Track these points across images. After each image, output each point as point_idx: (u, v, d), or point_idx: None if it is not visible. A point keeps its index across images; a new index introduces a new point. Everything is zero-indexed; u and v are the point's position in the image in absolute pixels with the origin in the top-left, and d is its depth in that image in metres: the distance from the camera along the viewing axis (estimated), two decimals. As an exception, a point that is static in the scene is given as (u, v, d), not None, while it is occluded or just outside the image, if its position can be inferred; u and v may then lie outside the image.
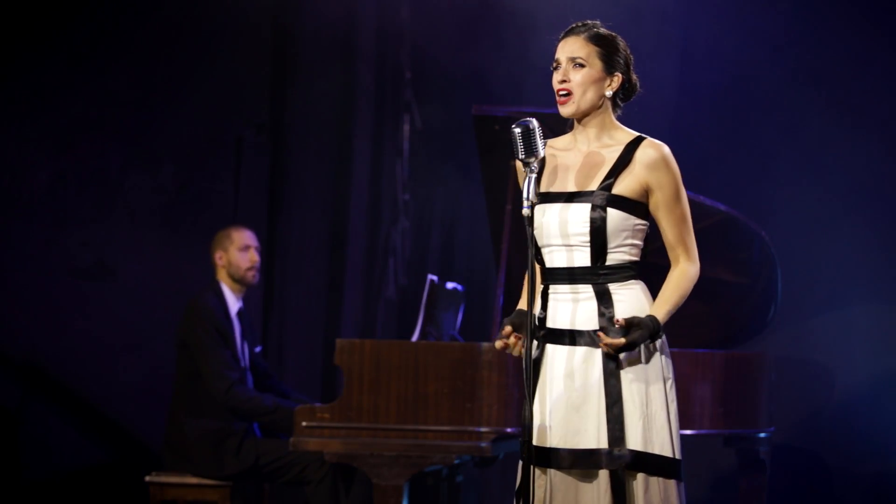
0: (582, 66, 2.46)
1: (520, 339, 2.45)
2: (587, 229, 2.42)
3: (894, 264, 5.38)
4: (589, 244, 2.44)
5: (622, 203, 2.44)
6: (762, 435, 4.42)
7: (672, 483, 2.42)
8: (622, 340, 2.33)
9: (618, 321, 2.35)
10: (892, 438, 5.14)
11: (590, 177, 2.46)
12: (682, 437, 2.46)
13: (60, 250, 5.38)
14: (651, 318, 2.38)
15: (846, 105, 5.46)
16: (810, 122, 5.47)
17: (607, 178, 2.44)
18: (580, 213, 2.41)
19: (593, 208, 2.42)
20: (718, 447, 4.56)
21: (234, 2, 5.42)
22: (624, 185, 2.44)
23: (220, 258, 4.47)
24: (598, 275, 2.44)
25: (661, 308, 2.43)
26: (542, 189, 2.45)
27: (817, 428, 5.39)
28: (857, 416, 5.25)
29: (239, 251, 4.45)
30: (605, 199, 2.42)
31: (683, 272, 2.49)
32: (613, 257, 2.45)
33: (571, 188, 2.45)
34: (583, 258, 2.43)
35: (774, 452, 4.52)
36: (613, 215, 2.43)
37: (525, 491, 2.35)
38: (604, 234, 2.42)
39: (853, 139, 5.43)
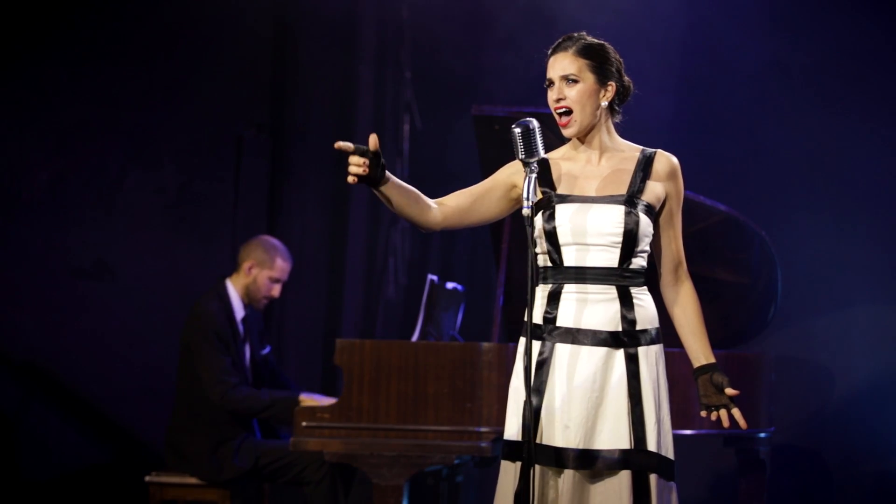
0: (575, 81, 2.47)
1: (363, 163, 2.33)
2: (620, 230, 2.43)
3: (895, 264, 5.38)
4: (620, 245, 2.45)
5: (648, 210, 2.47)
6: (762, 435, 4.42)
7: (673, 485, 2.43)
8: (737, 411, 2.51)
9: (729, 392, 2.49)
10: (892, 438, 5.13)
11: (612, 183, 2.47)
12: (683, 437, 2.48)
13: (60, 250, 5.38)
14: (714, 366, 2.52)
15: (850, 104, 5.45)
16: (811, 122, 5.46)
17: (634, 184, 2.46)
18: (613, 215, 2.42)
19: (628, 212, 2.43)
20: (718, 447, 4.56)
21: (234, 2, 5.42)
22: (649, 193, 2.47)
23: (249, 269, 4.40)
24: (624, 277, 2.45)
25: (708, 346, 2.54)
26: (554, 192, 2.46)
27: (817, 428, 5.38)
28: (857, 416, 5.24)
29: (271, 280, 4.43)
30: (637, 203, 2.44)
31: (695, 296, 2.54)
32: (636, 261, 2.48)
33: (590, 192, 2.46)
34: (608, 259, 2.44)
35: (774, 452, 4.52)
36: (643, 220, 2.45)
37: (526, 493, 2.34)
38: (635, 237, 2.44)
39: (856, 139, 5.43)
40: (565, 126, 2.48)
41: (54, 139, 5.40)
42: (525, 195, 2.35)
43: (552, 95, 2.47)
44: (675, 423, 2.53)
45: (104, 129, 5.49)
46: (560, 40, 2.49)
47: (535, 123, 2.37)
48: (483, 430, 3.79)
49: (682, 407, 3.94)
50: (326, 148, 5.81)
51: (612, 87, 2.47)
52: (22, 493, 5.17)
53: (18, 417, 5.19)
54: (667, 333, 2.55)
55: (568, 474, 2.39)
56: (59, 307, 5.34)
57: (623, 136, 2.53)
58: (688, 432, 3.99)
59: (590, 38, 2.50)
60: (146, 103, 5.54)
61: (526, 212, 2.34)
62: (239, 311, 4.40)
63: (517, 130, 2.38)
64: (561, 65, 2.46)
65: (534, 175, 2.36)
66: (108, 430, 5.33)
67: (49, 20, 5.33)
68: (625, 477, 2.36)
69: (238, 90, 5.67)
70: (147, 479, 4.29)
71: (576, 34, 2.50)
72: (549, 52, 2.50)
